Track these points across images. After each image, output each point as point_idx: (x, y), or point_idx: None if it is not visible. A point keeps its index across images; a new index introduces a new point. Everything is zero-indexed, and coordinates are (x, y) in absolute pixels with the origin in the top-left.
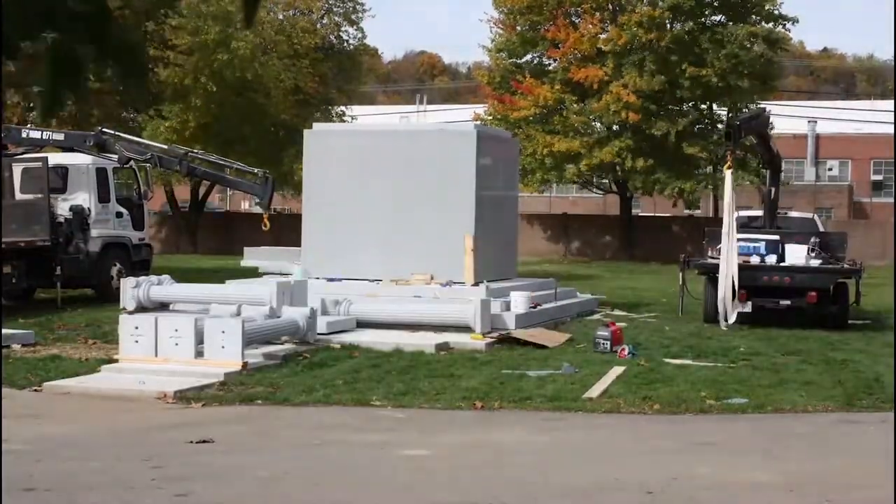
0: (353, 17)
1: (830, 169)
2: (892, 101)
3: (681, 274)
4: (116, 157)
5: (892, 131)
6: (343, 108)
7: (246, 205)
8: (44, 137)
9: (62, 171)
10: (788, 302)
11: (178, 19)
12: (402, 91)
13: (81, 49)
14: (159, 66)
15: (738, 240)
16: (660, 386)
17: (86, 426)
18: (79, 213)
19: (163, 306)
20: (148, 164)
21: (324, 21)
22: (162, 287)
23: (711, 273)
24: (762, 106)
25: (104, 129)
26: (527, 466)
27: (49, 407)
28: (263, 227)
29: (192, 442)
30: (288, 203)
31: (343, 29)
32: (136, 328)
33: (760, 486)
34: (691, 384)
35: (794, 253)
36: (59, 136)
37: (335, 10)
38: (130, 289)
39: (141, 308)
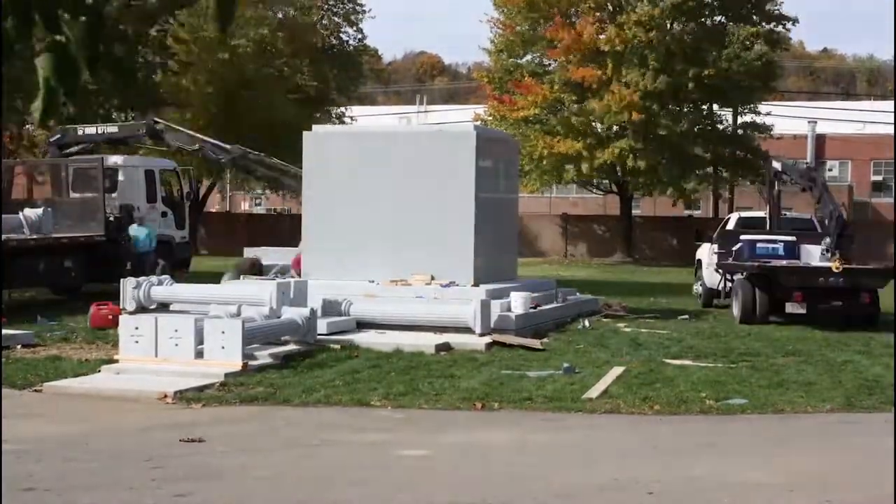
0: (353, 17)
1: (830, 169)
2: (893, 102)
3: (695, 269)
4: (166, 146)
5: (892, 131)
6: (343, 108)
7: (245, 205)
8: (99, 132)
9: (112, 172)
10: (841, 303)
11: (177, 27)
12: (402, 91)
13: (77, 51)
14: (158, 71)
15: (757, 241)
16: (660, 386)
17: (86, 426)
18: (128, 211)
19: (163, 307)
20: (190, 168)
21: (324, 21)
22: (162, 287)
23: (750, 272)
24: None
25: (156, 119)
26: (527, 467)
27: (49, 407)
28: None
29: (183, 440)
30: (288, 204)
31: (343, 30)
32: (136, 328)
33: (760, 486)
34: (691, 385)
35: (810, 253)
36: (114, 129)
37: (335, 10)
38: (130, 289)
39: (141, 308)
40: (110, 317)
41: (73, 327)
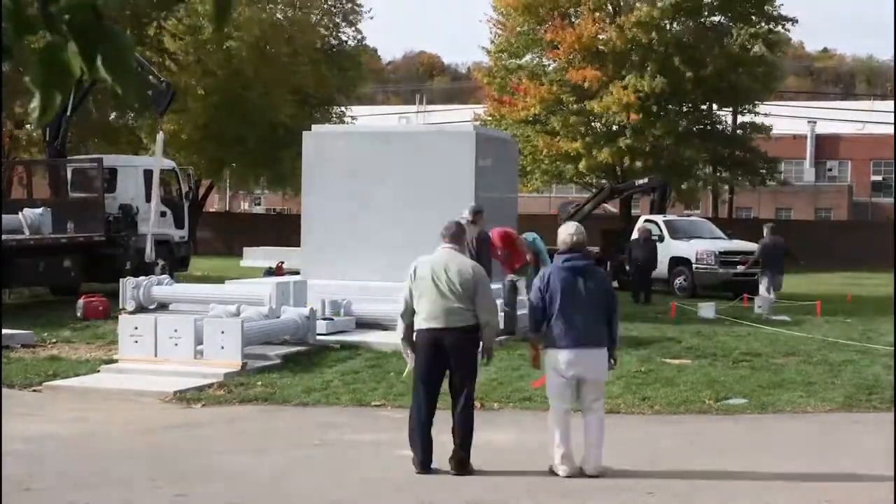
0: (352, 17)
1: (830, 169)
2: (892, 102)
3: None
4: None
5: (891, 131)
6: (342, 108)
7: (245, 205)
8: None
9: (111, 171)
10: None
11: (174, 24)
12: (401, 91)
13: (70, 50)
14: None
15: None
16: (659, 386)
17: (85, 426)
18: (127, 211)
19: (162, 306)
20: (190, 168)
21: (323, 21)
22: (161, 287)
23: None
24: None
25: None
26: (526, 466)
27: (49, 407)
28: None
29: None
30: (288, 204)
31: (342, 29)
32: (136, 328)
33: (760, 486)
34: (691, 385)
35: None
36: None
37: (334, 10)
38: (130, 289)
39: (140, 308)
40: (100, 308)
41: (71, 326)
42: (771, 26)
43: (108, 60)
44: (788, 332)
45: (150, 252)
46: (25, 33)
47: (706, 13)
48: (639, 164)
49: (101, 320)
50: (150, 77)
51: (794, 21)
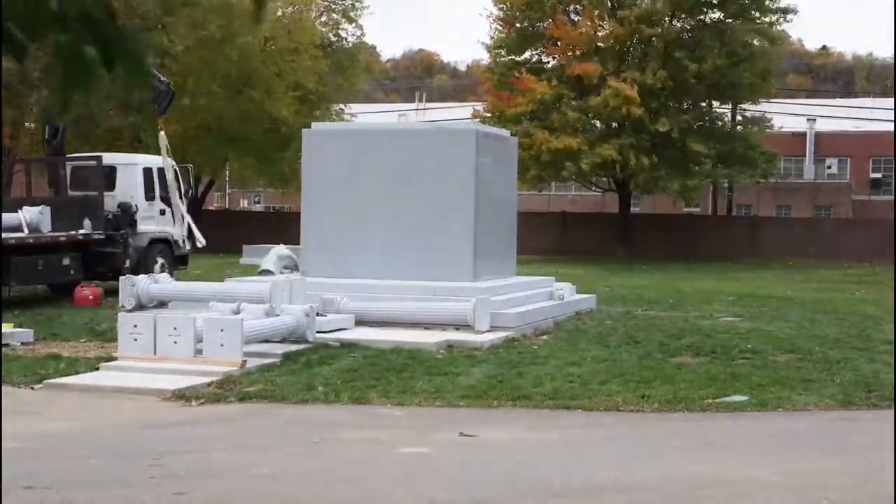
0: (352, 14)
1: (829, 167)
2: (892, 100)
3: None
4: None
5: (891, 129)
6: (342, 106)
7: (245, 203)
8: None
9: (110, 170)
10: None
11: (174, 18)
12: (401, 89)
13: (89, 51)
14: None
15: None
16: (659, 384)
17: (84, 424)
18: (126, 209)
19: (161, 304)
20: (189, 166)
21: (322, 18)
22: (160, 285)
23: None
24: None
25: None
26: (526, 465)
27: (48, 405)
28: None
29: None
30: (287, 201)
31: (342, 27)
32: (135, 326)
33: (760, 486)
34: (690, 382)
35: None
36: None
37: (334, 7)
38: (129, 287)
39: (139, 306)
40: (90, 297)
41: (71, 325)
42: (773, 19)
43: (124, 60)
44: (788, 329)
45: (199, 236)
46: (41, 33)
47: (706, 10)
48: (645, 160)
49: (94, 309)
50: (152, 78)
51: (794, 12)
